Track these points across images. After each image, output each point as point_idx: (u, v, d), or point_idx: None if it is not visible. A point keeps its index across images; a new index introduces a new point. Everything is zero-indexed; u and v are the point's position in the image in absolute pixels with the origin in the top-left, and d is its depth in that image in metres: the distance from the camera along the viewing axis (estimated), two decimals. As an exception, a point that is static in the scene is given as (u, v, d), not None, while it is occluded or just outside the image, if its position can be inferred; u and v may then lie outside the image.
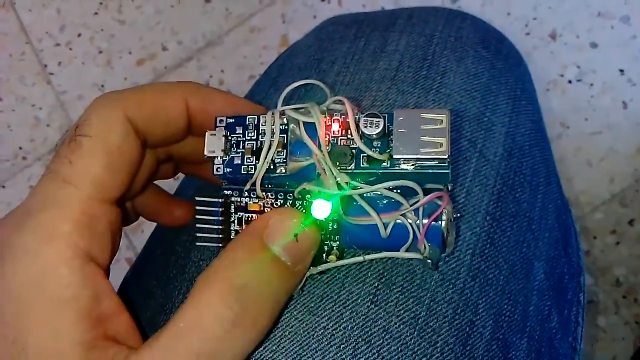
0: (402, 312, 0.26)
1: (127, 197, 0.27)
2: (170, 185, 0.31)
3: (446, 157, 0.21)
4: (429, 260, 0.23)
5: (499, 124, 0.31)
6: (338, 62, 0.32)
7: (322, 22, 0.37)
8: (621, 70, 0.71)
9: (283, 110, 0.24)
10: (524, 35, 0.73)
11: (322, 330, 0.25)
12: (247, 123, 0.24)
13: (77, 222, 0.22)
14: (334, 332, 0.25)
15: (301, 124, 0.24)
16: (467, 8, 0.75)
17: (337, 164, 0.23)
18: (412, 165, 0.22)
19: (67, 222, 0.22)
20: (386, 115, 0.23)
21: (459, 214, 0.28)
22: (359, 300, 0.26)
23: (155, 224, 0.34)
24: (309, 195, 0.24)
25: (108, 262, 0.23)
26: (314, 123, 0.23)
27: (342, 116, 0.23)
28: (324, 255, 0.24)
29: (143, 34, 0.79)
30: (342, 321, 0.26)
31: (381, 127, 0.22)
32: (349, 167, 0.23)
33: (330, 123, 0.23)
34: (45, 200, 0.22)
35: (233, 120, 0.24)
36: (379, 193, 0.23)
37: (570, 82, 0.72)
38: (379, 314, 0.26)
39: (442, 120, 0.22)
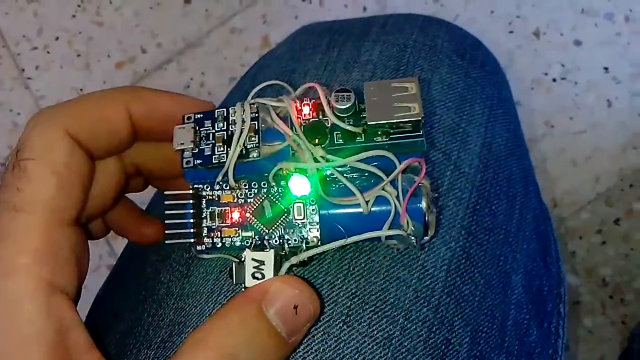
0: (375, 332, 0.25)
1: (99, 212, 0.26)
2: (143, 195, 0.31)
3: (420, 119, 0.22)
4: (412, 238, 0.23)
5: (475, 135, 0.30)
6: (310, 73, 0.32)
7: (294, 31, 0.37)
8: (605, 68, 0.71)
9: (253, 102, 0.24)
10: (507, 33, 0.73)
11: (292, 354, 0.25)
12: (216, 116, 0.24)
13: (37, 252, 0.21)
14: (305, 355, 0.25)
15: (272, 110, 0.24)
16: (450, 6, 0.74)
17: (313, 140, 0.23)
18: (386, 137, 0.23)
19: (26, 253, 0.21)
20: (356, 94, 0.23)
21: (437, 194, 0.28)
22: (331, 322, 0.25)
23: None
24: (283, 182, 0.23)
25: (76, 288, 0.22)
26: (285, 116, 0.24)
27: (312, 100, 0.24)
28: (303, 243, 0.23)
29: (122, 37, 0.78)
30: (313, 343, 0.25)
31: (352, 100, 0.23)
32: (324, 145, 0.23)
33: (300, 107, 0.24)
34: None
35: (202, 115, 0.24)
36: (356, 176, 0.23)
37: (554, 80, 0.71)
38: (351, 335, 0.25)
39: (412, 87, 0.22)
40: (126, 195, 0.29)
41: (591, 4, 0.72)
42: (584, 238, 0.67)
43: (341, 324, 0.25)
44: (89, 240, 0.26)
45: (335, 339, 0.25)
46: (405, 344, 0.25)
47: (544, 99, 0.71)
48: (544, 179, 0.68)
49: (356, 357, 0.25)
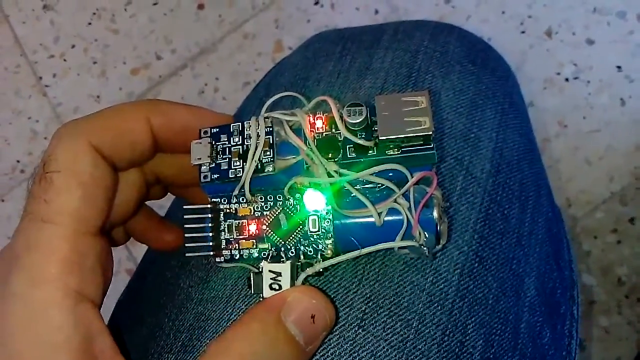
0: (390, 335, 0.26)
1: (120, 221, 0.27)
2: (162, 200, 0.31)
3: (430, 133, 0.22)
4: (424, 248, 0.23)
5: (486, 140, 0.31)
6: (324, 80, 0.32)
7: (307, 39, 0.37)
8: (618, 67, 0.70)
9: (267, 116, 0.24)
10: (519, 33, 0.73)
11: (309, 359, 0.25)
12: (231, 130, 0.24)
13: (65, 261, 0.22)
14: (322, 358, 0.25)
15: (285, 124, 0.24)
16: (461, 8, 0.74)
17: (326, 154, 0.23)
18: (398, 150, 0.23)
19: (54, 263, 0.21)
20: (368, 107, 0.23)
21: (448, 204, 0.28)
22: (347, 325, 0.26)
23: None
24: (298, 195, 0.24)
25: (101, 297, 0.23)
26: (298, 128, 0.24)
27: (325, 113, 0.24)
28: (318, 254, 0.24)
29: (137, 43, 0.79)
30: (329, 347, 0.25)
31: (364, 114, 0.23)
32: (337, 159, 0.23)
33: (314, 121, 0.24)
34: (28, 242, 0.22)
35: (217, 129, 0.25)
36: (370, 186, 0.24)
37: (567, 80, 0.71)
38: (366, 339, 0.26)
39: (422, 101, 0.23)
40: (145, 202, 0.29)
41: (603, 3, 0.72)
42: (599, 237, 0.67)
43: (356, 328, 0.26)
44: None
45: (351, 342, 0.25)
46: (420, 347, 0.26)
47: (556, 98, 0.71)
48: (557, 178, 0.68)
49: (372, 360, 0.25)
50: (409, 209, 0.23)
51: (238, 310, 0.27)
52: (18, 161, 0.77)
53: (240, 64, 0.76)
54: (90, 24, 0.80)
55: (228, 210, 0.25)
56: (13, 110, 0.78)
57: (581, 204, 0.68)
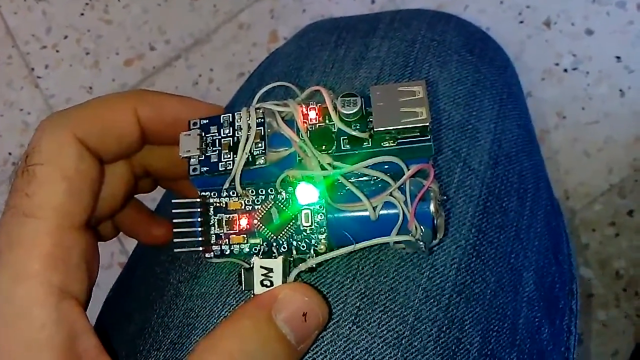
0: (385, 332, 0.25)
1: (107, 215, 0.26)
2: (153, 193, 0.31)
3: (427, 124, 0.21)
4: (421, 243, 0.23)
5: (484, 131, 0.30)
6: (318, 70, 0.31)
7: (302, 29, 0.36)
8: (618, 57, 0.70)
9: (258, 107, 0.24)
10: (517, 23, 0.72)
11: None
12: (221, 121, 0.24)
13: (48, 257, 0.21)
14: (315, 356, 0.25)
15: (277, 115, 0.23)
16: (459, -3, 0.73)
17: (320, 146, 0.23)
18: (394, 141, 0.22)
19: (37, 259, 0.21)
20: (363, 98, 0.23)
21: (445, 197, 0.28)
22: (341, 322, 0.25)
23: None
24: (290, 188, 0.23)
25: (86, 294, 0.23)
26: (291, 119, 0.23)
27: (318, 104, 0.23)
28: (311, 249, 0.23)
29: (130, 34, 0.78)
30: (323, 344, 0.25)
31: (359, 105, 0.22)
32: (330, 151, 0.23)
33: (306, 112, 0.23)
34: (10, 238, 0.21)
35: (207, 120, 0.24)
36: (364, 179, 0.23)
37: (565, 70, 0.70)
38: (361, 335, 0.25)
39: (419, 91, 0.22)
40: (135, 196, 0.29)
41: (603, -7, 0.71)
42: (597, 230, 0.67)
43: (350, 324, 0.25)
44: (99, 242, 0.26)
45: (345, 339, 0.25)
46: (415, 343, 0.25)
47: (555, 89, 0.70)
48: (556, 170, 0.68)
49: (366, 357, 0.25)
50: (405, 202, 0.22)
51: (229, 307, 0.26)
52: (10, 153, 0.77)
53: (235, 55, 0.75)
54: (82, 14, 0.79)
55: (218, 204, 0.24)
56: (5, 102, 0.78)
57: (579, 197, 0.67)
